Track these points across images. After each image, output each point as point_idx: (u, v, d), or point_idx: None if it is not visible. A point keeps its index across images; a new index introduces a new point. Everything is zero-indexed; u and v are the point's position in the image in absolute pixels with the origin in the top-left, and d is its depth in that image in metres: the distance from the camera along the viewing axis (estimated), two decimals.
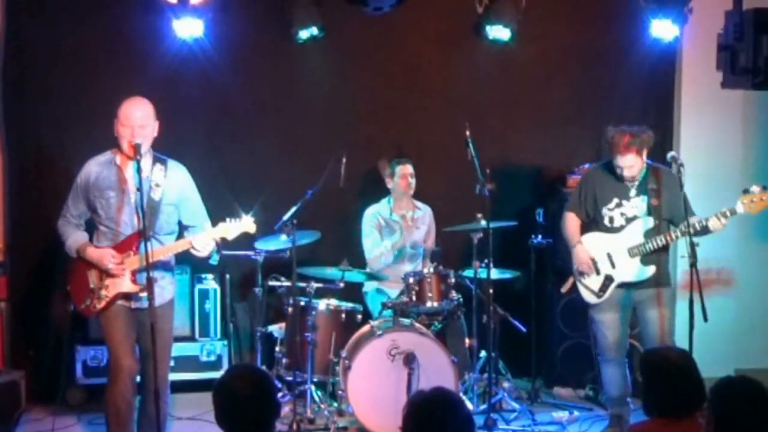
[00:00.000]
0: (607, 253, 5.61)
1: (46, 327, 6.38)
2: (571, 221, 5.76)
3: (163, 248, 4.84)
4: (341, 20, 6.72)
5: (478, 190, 5.95)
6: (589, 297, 5.69)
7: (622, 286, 5.60)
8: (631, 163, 5.45)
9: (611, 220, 5.61)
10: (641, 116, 6.88)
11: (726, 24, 5.98)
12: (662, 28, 6.66)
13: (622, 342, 5.70)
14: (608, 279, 5.62)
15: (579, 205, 5.74)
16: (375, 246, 6.54)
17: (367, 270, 6.42)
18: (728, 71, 6.01)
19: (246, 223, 4.94)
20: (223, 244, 5.00)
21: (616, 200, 5.59)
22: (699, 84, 6.83)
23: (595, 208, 5.66)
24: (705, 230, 5.40)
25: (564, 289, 5.90)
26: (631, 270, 5.56)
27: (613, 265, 5.61)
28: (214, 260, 5.08)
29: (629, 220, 5.57)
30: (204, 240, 4.85)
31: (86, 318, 5.00)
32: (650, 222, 5.53)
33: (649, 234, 5.52)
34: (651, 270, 5.53)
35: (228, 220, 4.90)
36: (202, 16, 6.21)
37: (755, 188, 5.28)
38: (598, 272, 5.64)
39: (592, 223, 5.71)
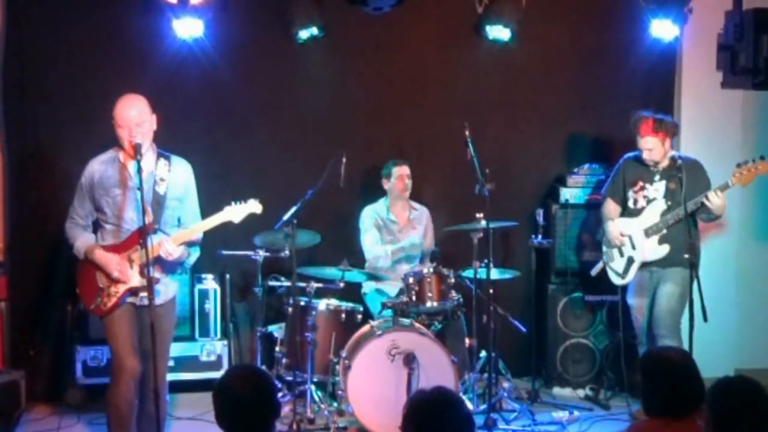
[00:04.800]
0: (629, 236, 5.91)
1: (46, 327, 6.39)
2: (609, 205, 6.10)
3: (193, 228, 4.87)
4: (341, 20, 6.72)
5: (478, 190, 5.96)
6: (615, 279, 6.05)
7: (644, 267, 5.88)
8: (651, 146, 5.76)
9: (635, 202, 5.93)
10: None
11: (726, 24, 5.99)
12: (662, 28, 6.65)
13: (650, 326, 5.91)
14: (630, 260, 5.92)
15: (614, 190, 6.07)
16: (375, 243, 6.54)
17: (367, 269, 6.43)
18: (728, 71, 6.03)
19: (251, 205, 4.96)
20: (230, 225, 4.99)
21: (640, 183, 5.89)
22: (699, 84, 6.83)
23: (624, 192, 5.97)
24: (708, 211, 5.67)
25: (594, 272, 6.22)
26: (648, 249, 5.83)
27: (633, 247, 5.90)
28: (188, 264, 5.10)
29: (649, 202, 5.85)
30: (209, 225, 4.88)
31: (98, 317, 4.97)
32: (666, 204, 5.78)
33: (664, 215, 5.77)
34: (665, 249, 5.78)
35: (233, 203, 4.92)
36: (202, 16, 6.20)
37: (748, 160, 5.55)
38: (621, 254, 5.96)
39: (623, 207, 6.03)
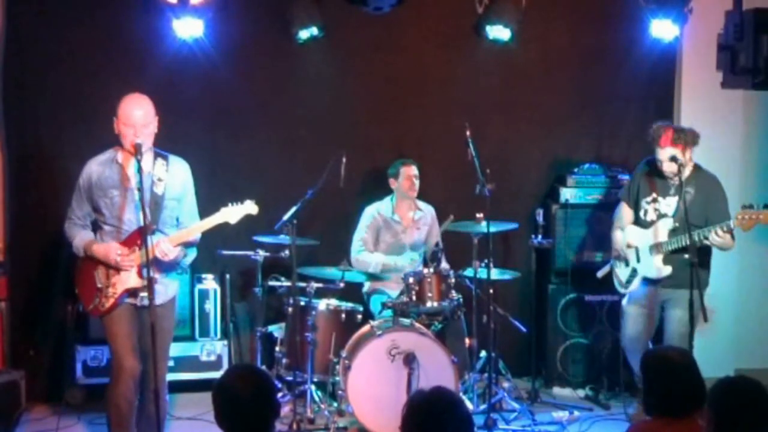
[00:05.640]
0: (636, 247, 5.75)
1: (46, 327, 6.38)
2: (623, 210, 5.94)
3: (190, 229, 4.85)
4: (341, 20, 6.72)
5: (478, 190, 5.95)
6: (618, 286, 5.93)
7: (647, 282, 5.72)
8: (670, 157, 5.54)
9: (645, 213, 5.75)
10: (641, 116, 6.89)
11: (726, 24, 6.00)
12: (662, 28, 6.66)
13: (641, 337, 5.79)
14: (634, 272, 5.79)
15: (628, 195, 5.91)
16: (362, 249, 6.55)
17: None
18: (728, 71, 6.03)
19: (248, 206, 4.93)
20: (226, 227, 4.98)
21: (654, 195, 5.72)
22: (699, 84, 6.83)
23: (636, 199, 5.81)
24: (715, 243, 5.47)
25: (600, 274, 6.12)
26: (651, 267, 5.67)
27: (638, 259, 5.75)
28: (184, 264, 5.11)
29: (660, 217, 5.67)
30: (205, 227, 4.87)
31: (97, 318, 4.96)
32: (674, 224, 5.59)
33: (672, 234, 5.59)
34: (667, 270, 5.60)
35: (230, 204, 4.91)
36: (202, 16, 6.21)
37: (753, 205, 5.32)
38: (627, 264, 5.82)
39: (635, 213, 5.87)
